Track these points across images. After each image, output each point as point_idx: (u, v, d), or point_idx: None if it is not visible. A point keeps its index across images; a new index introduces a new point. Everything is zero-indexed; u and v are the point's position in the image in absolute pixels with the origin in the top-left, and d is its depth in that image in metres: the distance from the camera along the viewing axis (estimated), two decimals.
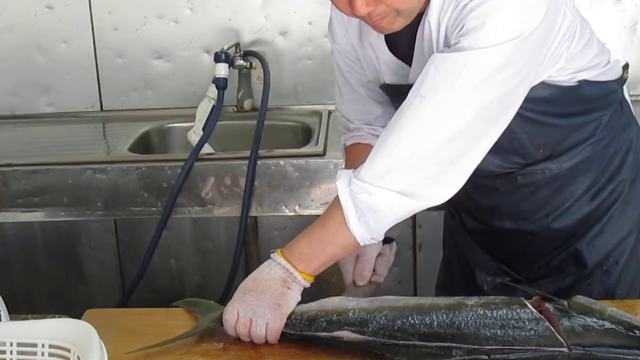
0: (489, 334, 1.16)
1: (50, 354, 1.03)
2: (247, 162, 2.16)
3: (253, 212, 2.20)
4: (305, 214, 2.19)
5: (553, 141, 1.40)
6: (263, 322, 1.25)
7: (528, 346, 1.15)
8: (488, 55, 1.18)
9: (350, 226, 1.25)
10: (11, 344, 1.04)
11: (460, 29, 1.20)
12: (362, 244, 1.28)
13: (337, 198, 1.26)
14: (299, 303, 1.29)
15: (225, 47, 2.46)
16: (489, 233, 1.54)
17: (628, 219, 1.47)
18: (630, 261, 1.48)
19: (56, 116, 2.72)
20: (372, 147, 1.28)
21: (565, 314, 1.16)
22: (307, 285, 1.30)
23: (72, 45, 2.66)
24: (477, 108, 1.20)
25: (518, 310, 1.17)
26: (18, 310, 1.34)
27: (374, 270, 1.44)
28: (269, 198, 2.18)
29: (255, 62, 2.57)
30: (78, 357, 0.99)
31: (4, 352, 1.04)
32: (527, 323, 1.16)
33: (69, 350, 1.01)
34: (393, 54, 1.38)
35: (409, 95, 1.23)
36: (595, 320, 1.14)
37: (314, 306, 1.29)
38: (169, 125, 2.64)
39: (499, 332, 1.16)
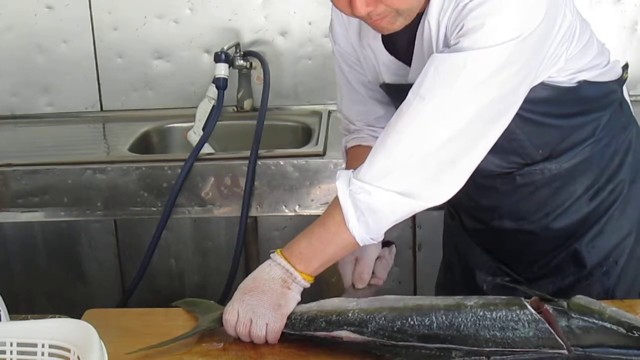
0: (488, 336, 1.16)
1: (50, 354, 1.03)
2: (247, 162, 2.16)
3: (253, 212, 2.20)
4: (305, 214, 2.19)
5: (552, 141, 1.40)
6: (263, 322, 1.25)
7: (527, 348, 1.15)
8: (488, 56, 1.18)
9: (350, 226, 1.25)
10: (11, 344, 1.04)
11: (460, 29, 1.20)
12: (361, 244, 1.28)
13: (336, 198, 1.26)
14: (299, 303, 1.29)
15: (225, 47, 2.46)
16: (489, 233, 1.54)
17: (627, 219, 1.47)
18: (629, 261, 1.48)
19: (56, 116, 2.72)
20: (372, 148, 1.28)
21: (565, 315, 1.16)
22: (307, 285, 1.30)
23: (72, 45, 2.66)
24: (477, 108, 1.20)
25: (517, 312, 1.17)
26: (18, 310, 1.35)
27: (373, 273, 1.44)
28: (269, 198, 2.18)
29: (255, 62, 2.57)
30: (78, 357, 0.99)
31: (4, 352, 1.04)
32: (526, 325, 1.16)
33: (69, 350, 1.01)
34: (393, 53, 1.38)
35: (409, 95, 1.23)
36: (594, 321, 1.14)
37: (313, 306, 1.29)
38: (169, 125, 2.64)
39: (498, 333, 1.16)
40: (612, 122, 1.44)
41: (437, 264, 1.78)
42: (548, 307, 1.17)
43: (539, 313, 1.17)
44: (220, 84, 2.40)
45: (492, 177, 1.44)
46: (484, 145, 1.24)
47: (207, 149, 2.31)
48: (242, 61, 2.55)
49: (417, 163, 1.22)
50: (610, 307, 1.17)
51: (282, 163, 2.17)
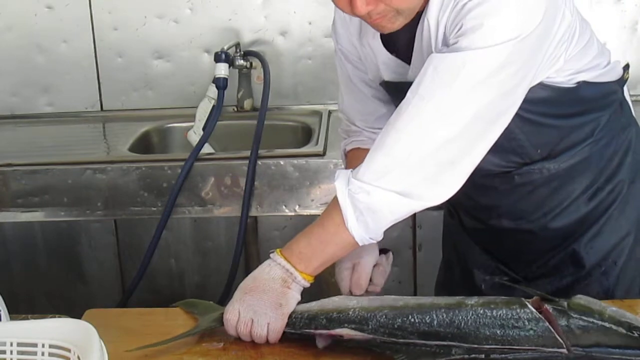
0: (488, 333, 1.16)
1: (50, 354, 1.03)
2: (247, 162, 2.16)
3: (253, 212, 2.20)
4: (305, 214, 2.19)
5: (551, 141, 1.40)
6: (264, 322, 1.25)
7: (527, 346, 1.15)
8: (486, 56, 1.18)
9: (349, 226, 1.25)
10: (11, 344, 1.04)
11: (459, 29, 1.20)
12: (360, 244, 1.28)
13: (335, 198, 1.26)
14: (299, 303, 1.29)
15: (225, 47, 2.46)
16: (487, 232, 1.54)
17: (626, 220, 1.47)
18: (628, 262, 1.48)
19: (56, 116, 2.72)
20: None
21: (565, 314, 1.16)
22: (307, 285, 1.30)
23: (72, 45, 2.67)
24: (476, 108, 1.20)
25: (518, 310, 1.17)
26: (18, 310, 1.35)
27: (370, 280, 1.44)
28: (269, 198, 2.18)
29: (255, 62, 2.57)
30: (78, 357, 0.99)
31: (4, 352, 1.04)
32: (526, 323, 1.16)
33: (69, 350, 1.01)
34: (392, 52, 1.38)
35: (408, 94, 1.23)
36: (594, 320, 1.15)
37: (314, 305, 1.29)
38: (169, 125, 2.64)
39: (498, 331, 1.16)
40: (611, 122, 1.44)
41: (437, 264, 1.78)
42: (548, 306, 1.17)
43: (539, 312, 1.17)
44: (220, 84, 2.40)
45: (490, 177, 1.44)
46: (483, 146, 1.24)
47: (207, 149, 2.31)
48: (242, 61, 2.55)
49: (416, 163, 1.22)
50: (610, 307, 1.17)
51: (282, 163, 2.17)
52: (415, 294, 2.59)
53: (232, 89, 2.52)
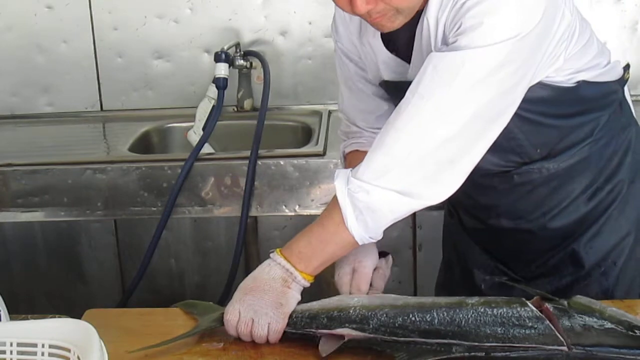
0: (489, 332, 1.17)
1: (50, 354, 1.03)
2: (247, 162, 2.16)
3: (253, 212, 2.20)
4: (305, 214, 2.19)
5: (551, 141, 1.40)
6: (265, 322, 1.25)
7: (528, 344, 1.15)
8: (486, 54, 1.18)
9: (349, 225, 1.25)
10: (11, 344, 1.04)
11: (458, 28, 1.20)
12: (360, 243, 1.28)
13: (335, 197, 1.26)
14: (299, 303, 1.29)
15: (225, 47, 2.46)
16: (487, 232, 1.54)
17: (626, 220, 1.47)
18: (628, 262, 1.47)
19: (56, 116, 2.72)
20: None
21: (565, 313, 1.16)
22: (307, 284, 1.30)
23: (72, 45, 2.67)
24: (476, 107, 1.20)
25: (518, 309, 1.18)
26: (18, 310, 1.35)
27: (370, 284, 1.44)
28: (269, 198, 2.18)
29: (255, 62, 2.57)
30: (78, 357, 0.99)
31: (4, 352, 1.04)
32: (527, 321, 1.16)
33: (69, 350, 1.01)
34: (392, 51, 1.39)
35: (407, 93, 1.23)
36: (595, 320, 1.15)
37: (315, 305, 1.29)
38: (169, 125, 2.64)
39: (499, 329, 1.16)
40: (611, 122, 1.44)
41: (437, 264, 1.78)
42: (549, 305, 1.17)
43: (539, 311, 1.17)
44: (220, 84, 2.40)
45: (490, 176, 1.44)
46: (482, 145, 1.24)
47: (207, 149, 2.31)
48: (242, 61, 2.55)
49: (416, 162, 1.22)
50: (610, 307, 1.18)
51: (282, 163, 2.17)
52: (415, 294, 2.59)
53: (232, 89, 2.52)
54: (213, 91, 2.45)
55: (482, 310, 1.19)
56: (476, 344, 1.16)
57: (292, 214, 2.20)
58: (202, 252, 2.80)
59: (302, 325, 1.26)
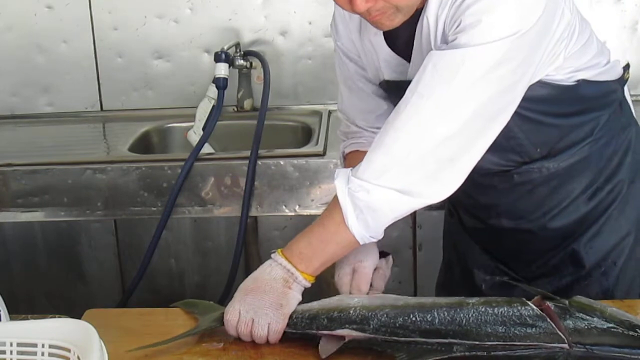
0: (490, 330, 1.17)
1: (50, 354, 1.03)
2: (247, 162, 2.16)
3: (253, 212, 2.20)
4: (305, 214, 2.19)
5: (551, 140, 1.40)
6: (265, 322, 1.25)
7: (529, 342, 1.15)
8: (485, 52, 1.18)
9: (349, 225, 1.25)
10: (11, 344, 1.04)
11: (458, 26, 1.20)
12: (361, 243, 1.28)
13: (335, 197, 1.26)
14: (300, 303, 1.29)
15: (225, 47, 2.46)
16: (487, 232, 1.54)
17: (626, 220, 1.47)
18: (628, 262, 1.47)
19: (56, 116, 2.72)
20: None
21: (566, 312, 1.16)
22: (308, 285, 1.30)
23: (72, 45, 2.67)
24: (475, 105, 1.20)
25: (519, 308, 1.18)
26: (18, 310, 1.35)
27: (370, 285, 1.44)
28: (269, 198, 2.18)
29: (255, 62, 2.57)
30: (78, 357, 0.99)
31: (4, 352, 1.04)
32: (528, 319, 1.16)
33: (69, 350, 1.01)
34: (393, 50, 1.38)
35: (407, 92, 1.23)
36: (596, 319, 1.15)
37: (315, 305, 1.29)
38: (169, 125, 2.64)
39: (500, 328, 1.16)
40: (611, 121, 1.44)
41: (437, 264, 1.78)
42: (550, 303, 1.17)
43: (541, 310, 1.17)
44: (220, 84, 2.40)
45: (490, 175, 1.44)
46: (482, 143, 1.24)
47: (207, 149, 2.31)
48: (242, 61, 2.55)
49: (416, 161, 1.22)
50: (610, 307, 1.18)
51: (282, 163, 2.17)
52: (415, 295, 2.59)
53: (232, 89, 2.52)
54: (213, 91, 2.45)
55: (482, 309, 1.19)
56: (477, 343, 1.17)
57: (292, 214, 2.20)
58: (202, 252, 2.80)
59: (302, 325, 1.26)
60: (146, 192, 2.19)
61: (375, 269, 1.43)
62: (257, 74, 2.59)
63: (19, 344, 1.04)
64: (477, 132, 1.23)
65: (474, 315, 1.18)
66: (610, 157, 1.45)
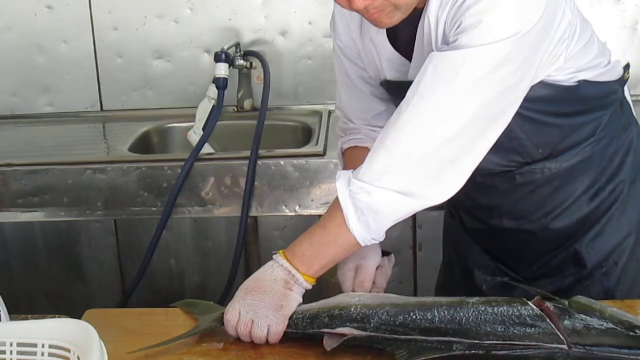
0: (489, 329, 1.17)
1: (50, 354, 1.03)
2: (247, 162, 2.16)
3: (253, 212, 2.19)
4: (305, 214, 2.19)
5: (552, 140, 1.40)
6: (265, 323, 1.25)
7: (528, 342, 1.15)
8: (486, 53, 1.18)
9: (350, 227, 1.25)
10: (11, 344, 1.04)
11: (458, 27, 1.20)
12: (362, 244, 1.27)
13: (337, 199, 1.26)
14: (300, 304, 1.29)
15: (225, 47, 2.46)
16: (488, 232, 1.54)
17: (628, 220, 1.47)
18: (629, 262, 1.47)
19: (56, 116, 2.72)
20: (369, 150, 1.27)
21: (566, 312, 1.16)
22: (309, 287, 1.30)
23: (72, 45, 2.66)
24: (476, 106, 1.20)
25: (519, 307, 1.18)
26: (18, 310, 1.35)
27: (373, 283, 1.44)
28: (269, 198, 2.18)
29: (255, 62, 2.57)
30: (78, 357, 0.99)
31: (4, 352, 1.04)
32: (527, 319, 1.17)
33: (69, 350, 1.01)
34: (395, 48, 1.38)
35: (408, 94, 1.23)
36: (595, 319, 1.15)
37: (315, 305, 1.29)
38: (169, 125, 2.64)
39: (499, 327, 1.17)
40: (612, 122, 1.44)
41: (437, 264, 1.78)
42: (549, 304, 1.17)
43: (540, 310, 1.17)
44: (220, 84, 2.40)
45: (491, 176, 1.44)
46: (484, 144, 1.24)
47: (207, 149, 2.30)
48: (242, 61, 2.55)
49: (417, 162, 1.22)
50: (610, 307, 1.18)
51: (282, 163, 2.17)
52: (415, 294, 2.59)
53: (232, 89, 2.52)
54: (213, 91, 2.45)
55: (482, 308, 1.19)
56: (476, 341, 1.17)
57: (292, 214, 2.20)
58: (202, 252, 2.80)
59: (303, 325, 1.26)
60: (146, 192, 2.19)
61: (377, 267, 1.43)
62: (257, 74, 2.59)
63: (18, 344, 1.04)
64: (478, 133, 1.23)
65: (473, 314, 1.19)
66: (611, 157, 1.45)
